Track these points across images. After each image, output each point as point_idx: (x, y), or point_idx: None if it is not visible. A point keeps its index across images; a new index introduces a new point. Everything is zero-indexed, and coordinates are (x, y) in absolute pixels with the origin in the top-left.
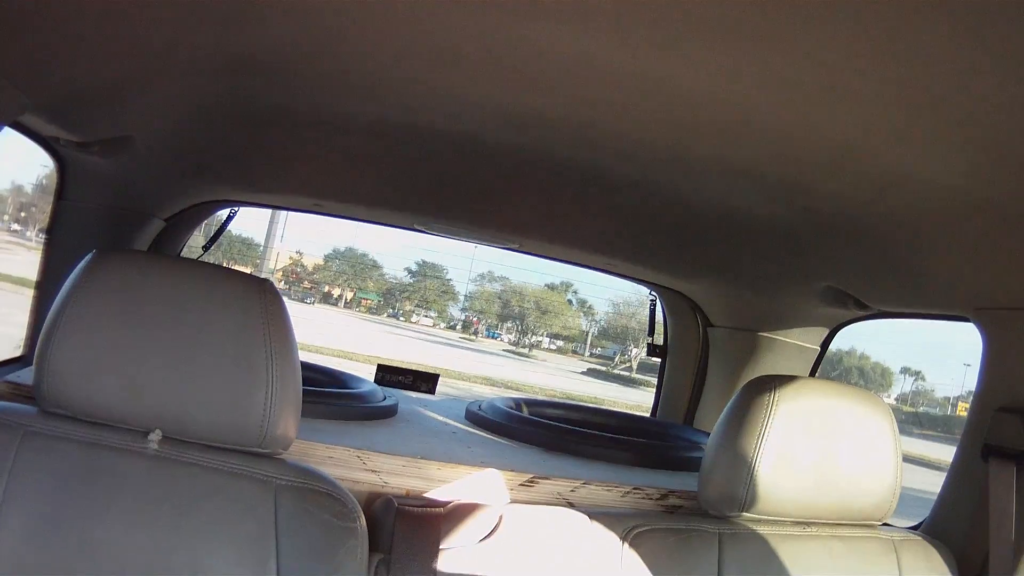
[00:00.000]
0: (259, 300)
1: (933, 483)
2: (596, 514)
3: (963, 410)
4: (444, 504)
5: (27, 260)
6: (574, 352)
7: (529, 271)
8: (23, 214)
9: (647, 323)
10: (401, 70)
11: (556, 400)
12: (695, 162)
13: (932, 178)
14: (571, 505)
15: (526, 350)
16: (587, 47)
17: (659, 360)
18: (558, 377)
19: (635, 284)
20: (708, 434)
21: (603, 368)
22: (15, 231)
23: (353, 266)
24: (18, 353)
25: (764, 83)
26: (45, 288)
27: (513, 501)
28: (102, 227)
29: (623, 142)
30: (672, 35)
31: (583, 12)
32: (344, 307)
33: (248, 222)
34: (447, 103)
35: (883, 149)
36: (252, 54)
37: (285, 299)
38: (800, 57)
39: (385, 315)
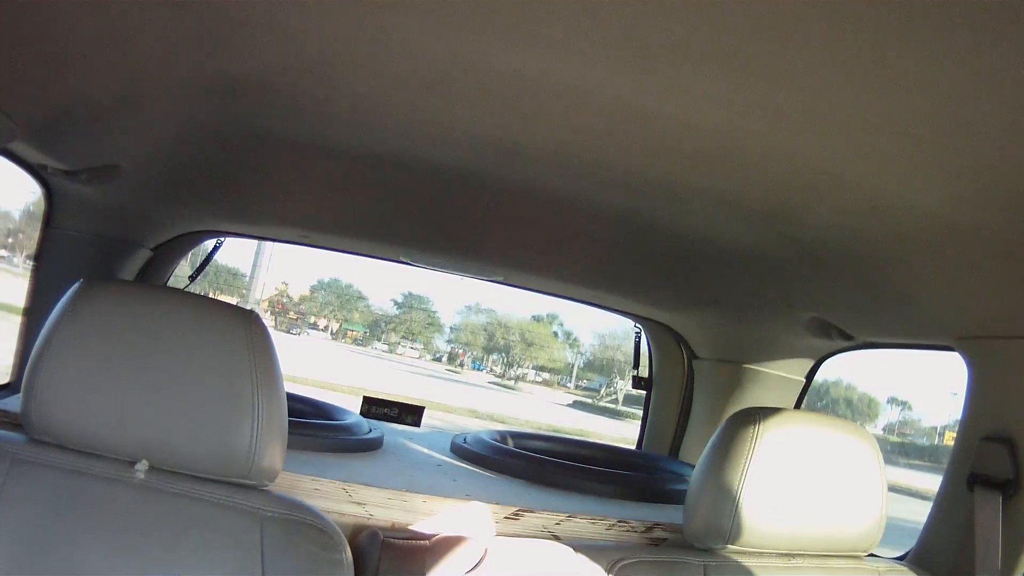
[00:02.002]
0: (245, 332)
1: (920, 512)
2: (581, 547)
3: (950, 439)
4: (429, 537)
5: (14, 287)
6: (560, 384)
7: (515, 303)
8: (10, 240)
9: (632, 355)
10: (388, 98)
11: (541, 433)
12: (681, 191)
13: (916, 205)
14: (556, 538)
15: (512, 382)
16: (574, 77)
17: (644, 392)
18: (544, 409)
19: (620, 316)
20: (693, 466)
21: (589, 400)
22: (2, 257)
23: (339, 297)
24: (6, 380)
25: (748, 111)
26: (33, 315)
27: (498, 534)
28: (89, 255)
29: (608, 172)
30: (658, 65)
31: (569, 42)
32: (330, 338)
33: (234, 253)
34: (433, 132)
35: (867, 176)
36: (240, 80)
37: (271, 330)
38: (784, 85)
39: (371, 347)
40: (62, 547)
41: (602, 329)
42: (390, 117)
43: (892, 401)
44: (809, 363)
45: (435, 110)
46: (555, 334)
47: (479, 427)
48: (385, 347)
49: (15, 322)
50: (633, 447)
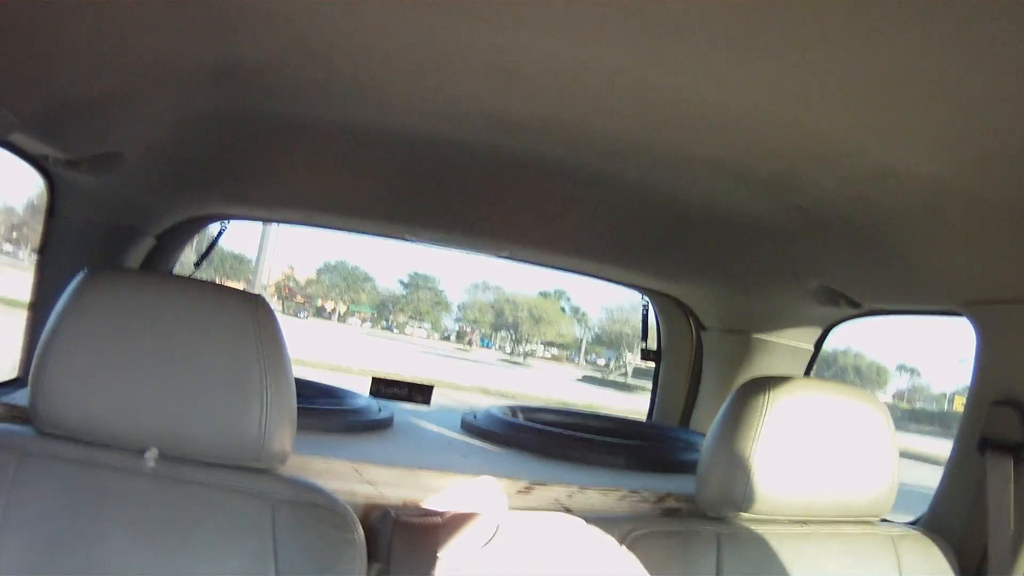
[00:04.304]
0: (251, 316)
1: (931, 478)
2: (594, 519)
3: (959, 404)
4: (441, 513)
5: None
6: (569, 359)
7: (522, 280)
8: (15, 234)
9: (640, 328)
10: (389, 76)
11: (551, 407)
12: (684, 162)
13: (920, 173)
14: (568, 511)
15: (521, 359)
16: (574, 51)
17: (653, 365)
18: (553, 385)
19: (627, 289)
20: (704, 436)
21: (598, 375)
22: (7, 252)
23: (345, 279)
24: (14, 374)
25: (747, 82)
26: (38, 308)
27: (510, 508)
28: (93, 245)
29: (612, 144)
30: (659, 36)
31: (570, 15)
32: (337, 321)
33: (239, 237)
34: (435, 108)
35: (870, 144)
36: (240, 65)
37: (278, 314)
38: (782, 56)
39: (379, 327)
40: (75, 539)
41: (610, 303)
42: (391, 95)
43: (901, 368)
44: (817, 331)
45: (436, 87)
46: (563, 310)
47: (489, 404)
48: (392, 327)
49: (22, 317)
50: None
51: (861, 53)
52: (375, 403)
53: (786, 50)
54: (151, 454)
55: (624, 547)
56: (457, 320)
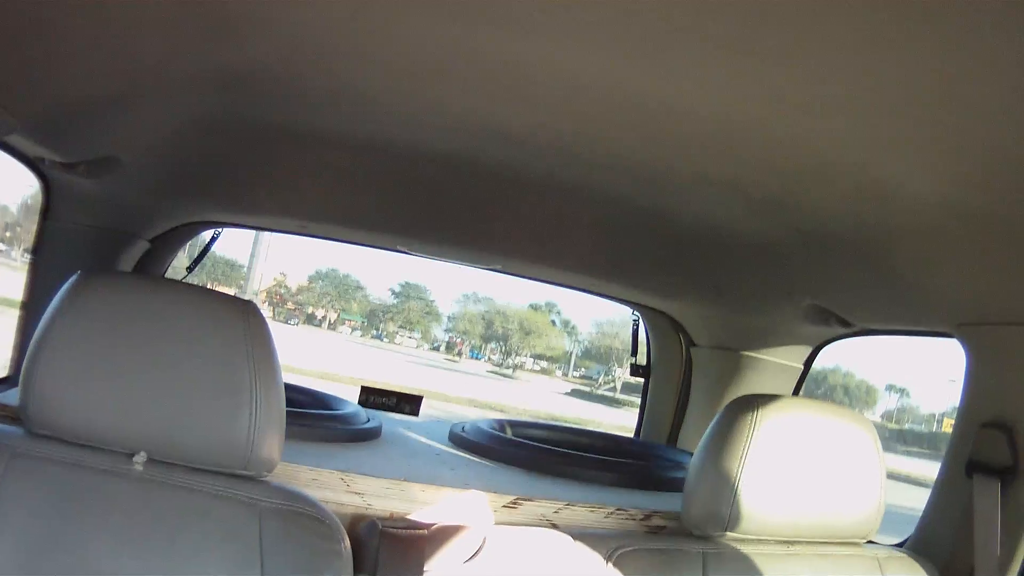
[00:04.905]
0: (242, 322)
1: (918, 499)
2: (580, 535)
3: (948, 426)
4: (428, 526)
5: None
6: (557, 373)
7: (513, 292)
8: (8, 234)
9: (630, 344)
10: (387, 88)
11: (540, 421)
12: (680, 178)
13: (915, 190)
14: (555, 526)
15: (510, 371)
16: (573, 64)
17: (642, 381)
18: (542, 398)
19: (618, 304)
20: (691, 454)
21: (587, 389)
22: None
23: (337, 287)
24: (4, 373)
25: (747, 96)
26: (31, 308)
27: (497, 523)
28: (87, 247)
29: (608, 158)
30: (656, 51)
31: (568, 28)
32: (328, 328)
33: (232, 243)
34: (432, 120)
35: (866, 161)
36: (238, 71)
37: (269, 320)
38: (784, 69)
39: (369, 336)
40: (63, 541)
41: (600, 317)
42: (388, 106)
43: (890, 388)
44: (807, 350)
45: (434, 99)
46: (553, 323)
47: (478, 416)
48: (382, 336)
49: (14, 316)
50: (631, 435)
51: (863, 63)
52: (363, 412)
53: (785, 67)
54: (140, 457)
55: (610, 564)
56: (447, 331)
